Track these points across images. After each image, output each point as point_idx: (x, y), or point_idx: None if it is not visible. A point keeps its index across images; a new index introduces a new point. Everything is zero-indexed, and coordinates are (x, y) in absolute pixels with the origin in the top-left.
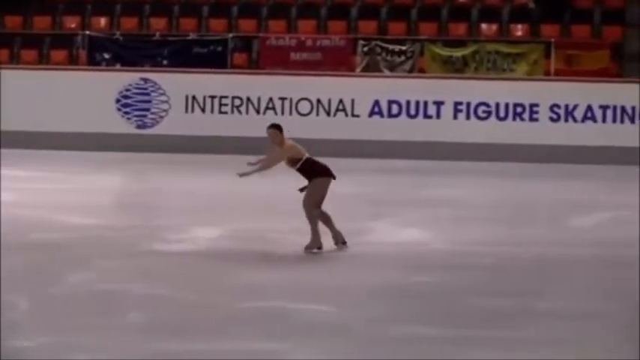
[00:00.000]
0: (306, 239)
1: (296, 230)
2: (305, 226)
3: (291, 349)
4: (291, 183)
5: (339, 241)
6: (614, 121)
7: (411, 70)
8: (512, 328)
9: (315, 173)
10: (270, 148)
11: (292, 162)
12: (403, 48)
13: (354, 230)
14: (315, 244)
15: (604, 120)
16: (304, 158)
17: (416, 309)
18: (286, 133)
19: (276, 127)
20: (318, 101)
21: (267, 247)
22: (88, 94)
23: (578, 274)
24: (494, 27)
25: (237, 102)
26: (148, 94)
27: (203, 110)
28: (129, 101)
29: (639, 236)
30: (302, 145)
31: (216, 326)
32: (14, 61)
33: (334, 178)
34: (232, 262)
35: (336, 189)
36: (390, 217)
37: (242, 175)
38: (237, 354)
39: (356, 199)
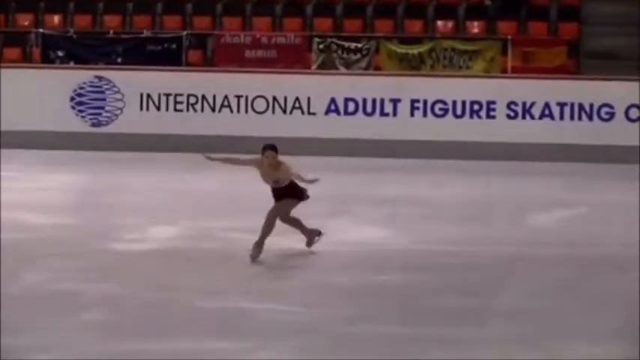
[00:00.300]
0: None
1: (255, 229)
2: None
3: (252, 349)
4: (249, 181)
5: (312, 241)
6: (572, 118)
7: (367, 68)
8: (475, 326)
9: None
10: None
11: (274, 182)
12: (359, 45)
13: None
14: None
15: (561, 117)
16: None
17: (378, 308)
18: (241, 131)
19: (272, 149)
20: (274, 99)
21: (225, 246)
22: (41, 93)
23: (538, 272)
24: (450, 24)
25: (192, 100)
26: (102, 92)
27: (158, 108)
28: (83, 99)
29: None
30: (257, 143)
31: (175, 326)
32: None
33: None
34: (190, 261)
35: None
36: (349, 215)
37: (208, 157)
38: (196, 354)
39: (314, 197)
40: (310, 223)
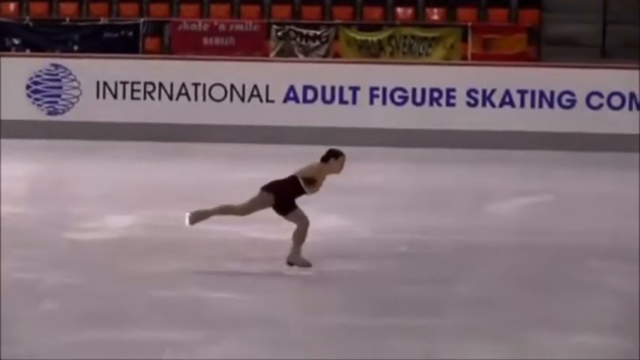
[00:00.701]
0: (222, 228)
1: (211, 219)
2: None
3: (209, 338)
4: (207, 171)
5: (295, 262)
6: (533, 105)
7: (325, 55)
8: (436, 316)
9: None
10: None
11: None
12: (318, 32)
13: (272, 219)
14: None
15: (522, 104)
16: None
17: (337, 298)
18: (199, 119)
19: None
20: (232, 87)
21: (183, 236)
22: None
23: (499, 261)
24: (409, 11)
25: (149, 88)
26: (58, 80)
27: (115, 96)
28: (39, 87)
29: None
30: (221, 132)
31: (131, 315)
32: None
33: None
34: (147, 250)
35: (253, 176)
36: (308, 204)
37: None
38: (152, 343)
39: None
40: (269, 213)
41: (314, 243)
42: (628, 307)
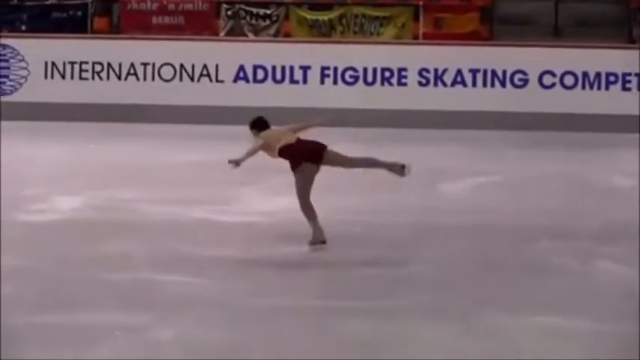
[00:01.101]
0: (170, 209)
1: (162, 200)
2: (168, 195)
3: (159, 321)
4: (157, 152)
5: (318, 241)
6: (485, 85)
7: (276, 35)
8: (389, 297)
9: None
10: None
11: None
12: (268, 12)
13: (220, 199)
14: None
15: (474, 84)
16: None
17: (288, 280)
18: (148, 99)
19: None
20: (182, 66)
21: (132, 217)
22: None
23: (451, 242)
24: None
25: (97, 68)
26: (6, 61)
27: (63, 76)
28: None
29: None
30: (171, 112)
31: (82, 298)
32: None
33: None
34: (96, 232)
35: (199, 157)
36: (257, 184)
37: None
38: (101, 326)
39: (220, 166)
40: (217, 193)
41: (264, 223)
42: (579, 287)
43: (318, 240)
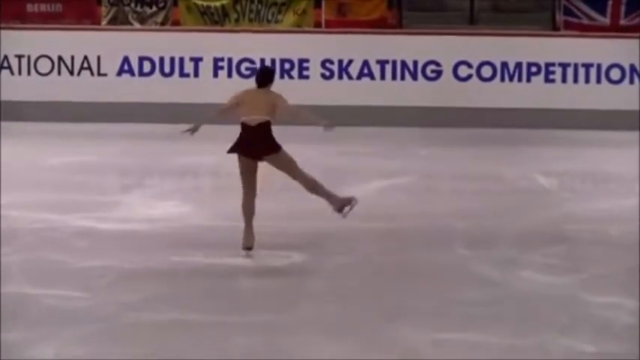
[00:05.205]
0: (44, 216)
1: (38, 205)
2: (42, 200)
3: (35, 338)
4: (32, 154)
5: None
6: (394, 77)
7: (163, 23)
8: (284, 310)
9: None
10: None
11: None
12: None
13: (101, 205)
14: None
15: (382, 76)
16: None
17: (175, 292)
18: (24, 96)
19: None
20: (60, 59)
21: (5, 225)
22: None
23: (356, 248)
24: None
25: None
26: None
27: None
28: None
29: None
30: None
31: None
32: None
33: None
34: None
35: (78, 159)
36: (142, 189)
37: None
38: None
39: (102, 169)
40: (98, 199)
41: (147, 231)
42: (493, 297)
43: (245, 246)
